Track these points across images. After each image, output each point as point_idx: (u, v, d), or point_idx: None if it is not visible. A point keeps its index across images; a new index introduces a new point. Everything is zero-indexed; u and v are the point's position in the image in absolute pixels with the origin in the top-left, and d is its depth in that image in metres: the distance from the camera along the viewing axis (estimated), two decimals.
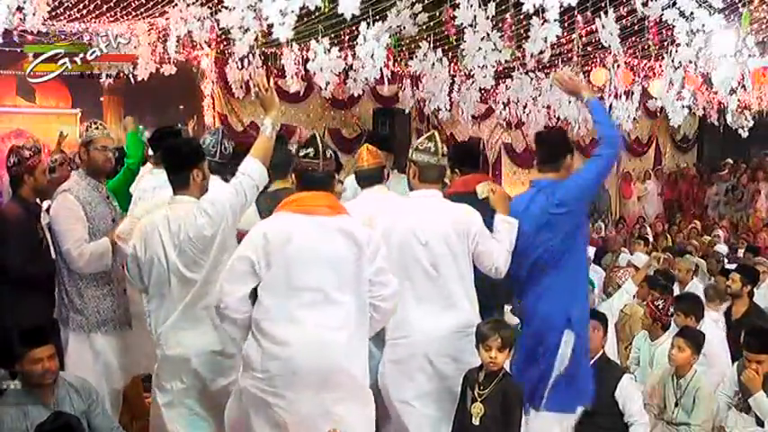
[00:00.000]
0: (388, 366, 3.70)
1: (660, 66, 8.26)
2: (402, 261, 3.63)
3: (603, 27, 5.46)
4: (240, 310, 3.08)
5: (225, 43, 8.07)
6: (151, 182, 4.90)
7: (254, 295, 3.13)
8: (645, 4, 5.33)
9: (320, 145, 3.21)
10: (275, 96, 3.78)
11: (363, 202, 4.27)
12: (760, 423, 4.26)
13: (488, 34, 5.46)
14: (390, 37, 6.34)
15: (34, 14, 5.14)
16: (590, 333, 4.62)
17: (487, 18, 5.39)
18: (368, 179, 4.41)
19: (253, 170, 3.55)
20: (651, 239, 10.32)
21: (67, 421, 3.36)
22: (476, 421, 3.52)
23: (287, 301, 3.05)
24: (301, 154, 3.21)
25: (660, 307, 5.11)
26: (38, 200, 4.44)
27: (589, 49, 8.29)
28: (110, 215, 4.22)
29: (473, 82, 6.76)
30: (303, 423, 3.05)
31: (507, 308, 5.20)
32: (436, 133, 3.88)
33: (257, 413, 3.08)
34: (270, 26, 4.73)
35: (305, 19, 6.48)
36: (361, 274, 3.13)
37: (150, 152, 5.22)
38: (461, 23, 5.46)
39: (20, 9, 5.17)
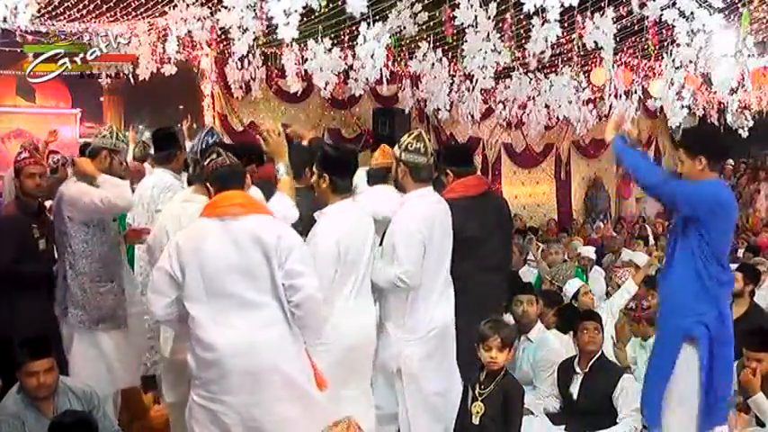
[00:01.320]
0: (422, 363, 3.81)
1: (660, 66, 8.26)
2: (438, 258, 3.85)
3: (597, 27, 5.45)
4: (169, 313, 3.17)
5: (225, 43, 8.06)
6: (151, 181, 4.97)
7: None
8: (642, 6, 5.32)
9: (221, 147, 3.32)
10: (284, 141, 3.85)
11: (368, 197, 4.35)
12: (760, 423, 4.26)
13: (489, 35, 5.45)
14: (390, 37, 6.33)
15: (25, 12, 5.11)
16: (593, 335, 4.64)
17: (488, 18, 5.38)
18: (372, 177, 4.55)
19: (283, 207, 3.60)
20: (651, 239, 10.32)
21: (85, 418, 3.40)
22: (475, 420, 3.53)
23: (209, 306, 3.08)
24: (207, 162, 3.27)
25: (633, 308, 5.11)
26: (40, 199, 4.45)
27: (589, 49, 8.28)
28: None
29: (475, 83, 6.74)
30: (247, 425, 3.08)
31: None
32: (423, 132, 3.94)
33: (204, 420, 3.11)
34: (269, 26, 4.74)
35: (305, 19, 6.48)
36: (276, 277, 3.12)
37: (152, 152, 5.27)
38: (462, 23, 5.45)
39: (14, 8, 5.16)
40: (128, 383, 4.38)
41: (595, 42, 5.44)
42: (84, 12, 7.04)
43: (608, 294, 6.77)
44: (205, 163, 3.27)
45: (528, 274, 7.72)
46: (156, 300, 3.16)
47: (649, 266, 6.76)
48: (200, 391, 3.12)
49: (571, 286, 6.16)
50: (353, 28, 6.72)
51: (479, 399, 3.54)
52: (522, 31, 6.18)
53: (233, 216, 3.13)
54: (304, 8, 4.72)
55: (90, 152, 4.28)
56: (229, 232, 3.11)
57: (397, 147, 3.90)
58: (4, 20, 5.06)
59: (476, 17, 5.38)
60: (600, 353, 4.65)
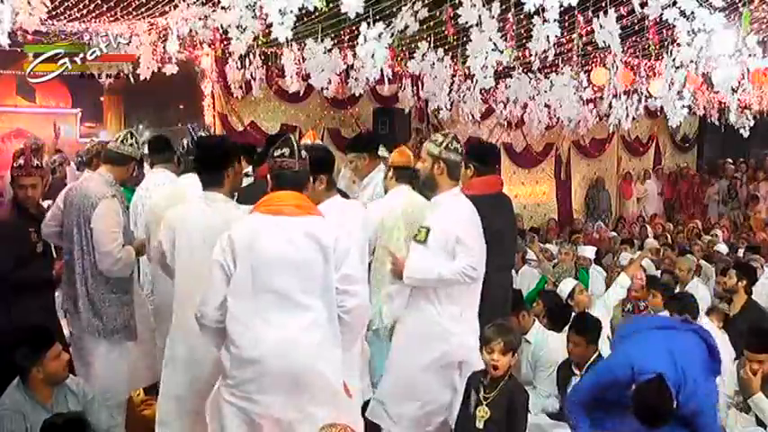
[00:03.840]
0: (477, 353, 3.85)
1: (660, 65, 8.25)
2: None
3: (602, 27, 5.44)
4: (217, 318, 3.04)
5: (226, 43, 8.05)
6: (151, 180, 5.02)
7: None
8: (644, 5, 5.31)
9: (295, 145, 3.19)
10: None
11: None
12: (760, 423, 4.26)
13: (490, 36, 5.44)
14: (391, 36, 6.33)
15: (31, 14, 5.11)
16: (577, 350, 4.62)
17: (492, 17, 5.37)
18: (402, 177, 4.69)
19: None
20: (651, 239, 10.31)
21: (78, 416, 3.44)
22: (479, 425, 3.50)
23: (254, 304, 3.01)
24: (276, 154, 3.16)
25: (630, 309, 5.10)
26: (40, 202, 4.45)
27: (589, 49, 8.28)
28: (126, 224, 4.31)
29: (475, 83, 6.73)
30: (279, 426, 3.03)
31: None
32: (456, 134, 4.01)
33: (233, 420, 3.05)
34: (269, 26, 4.74)
35: (305, 19, 6.48)
36: (327, 280, 3.07)
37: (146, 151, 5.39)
38: (465, 22, 5.44)
39: (16, 12, 5.16)
40: (143, 384, 4.45)
41: (604, 42, 5.42)
42: (85, 12, 7.03)
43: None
44: (275, 156, 3.17)
45: (528, 273, 7.72)
46: (209, 298, 3.04)
47: (642, 258, 6.77)
48: (233, 390, 3.04)
49: (565, 286, 6.16)
50: (353, 28, 6.71)
51: (484, 403, 3.50)
52: (522, 31, 6.18)
53: (288, 214, 3.08)
54: (301, 9, 4.71)
55: (118, 159, 4.20)
56: (285, 230, 3.06)
57: (434, 145, 3.91)
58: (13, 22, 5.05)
59: (479, 16, 5.37)
60: (596, 354, 4.64)
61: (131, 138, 4.24)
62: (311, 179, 3.62)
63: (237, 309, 3.02)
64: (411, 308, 3.95)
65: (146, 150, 5.43)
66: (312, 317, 3.05)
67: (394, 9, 6.12)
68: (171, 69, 7.86)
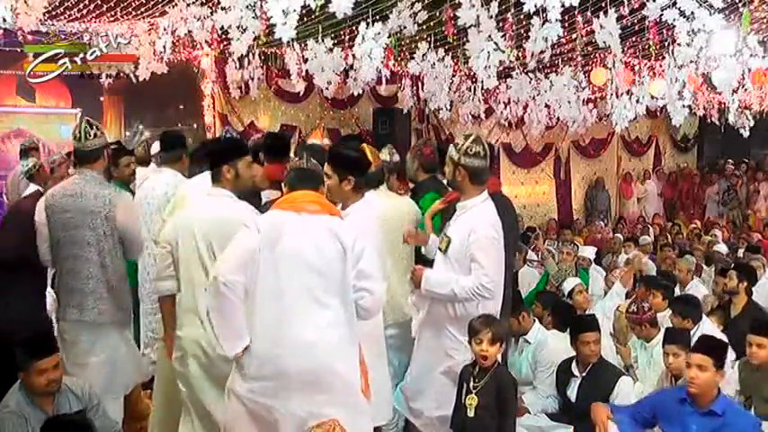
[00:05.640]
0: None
1: (660, 66, 8.25)
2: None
3: (602, 27, 5.44)
4: (238, 292, 2.98)
5: (225, 43, 8.05)
6: (161, 180, 5.07)
7: None
8: (643, 6, 5.32)
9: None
10: None
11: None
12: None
13: (490, 35, 5.44)
14: (390, 37, 6.32)
15: (28, 14, 5.10)
16: (594, 348, 4.62)
17: (490, 18, 5.36)
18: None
19: None
20: (651, 239, 10.32)
21: (80, 420, 3.44)
22: (471, 413, 3.60)
23: (275, 302, 3.03)
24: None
25: (635, 310, 5.10)
26: None
27: (589, 49, 8.27)
28: None
29: (474, 83, 6.72)
30: (294, 424, 3.03)
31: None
32: (480, 136, 3.92)
33: (249, 416, 3.06)
34: (271, 26, 4.74)
35: (305, 19, 6.47)
36: (347, 278, 3.10)
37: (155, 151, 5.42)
38: (464, 23, 5.43)
39: (14, 9, 5.16)
40: (144, 376, 4.47)
41: (604, 42, 5.42)
42: (85, 12, 7.03)
43: (605, 294, 6.80)
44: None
45: (528, 273, 7.72)
46: (237, 272, 2.98)
47: (638, 264, 6.76)
48: (250, 386, 3.05)
49: (568, 284, 6.18)
50: (354, 28, 6.71)
51: (473, 392, 3.61)
52: (522, 31, 6.17)
53: (310, 212, 3.12)
54: (303, 8, 4.71)
55: (94, 154, 4.13)
56: (307, 226, 3.09)
57: (454, 150, 3.83)
58: (3, 20, 5.04)
59: (478, 17, 5.36)
60: (598, 356, 4.64)
61: (95, 129, 4.14)
62: (339, 180, 3.64)
63: (259, 306, 3.03)
64: (431, 315, 3.92)
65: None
66: (331, 316, 3.07)
67: (393, 10, 6.11)
68: (162, 69, 7.82)
